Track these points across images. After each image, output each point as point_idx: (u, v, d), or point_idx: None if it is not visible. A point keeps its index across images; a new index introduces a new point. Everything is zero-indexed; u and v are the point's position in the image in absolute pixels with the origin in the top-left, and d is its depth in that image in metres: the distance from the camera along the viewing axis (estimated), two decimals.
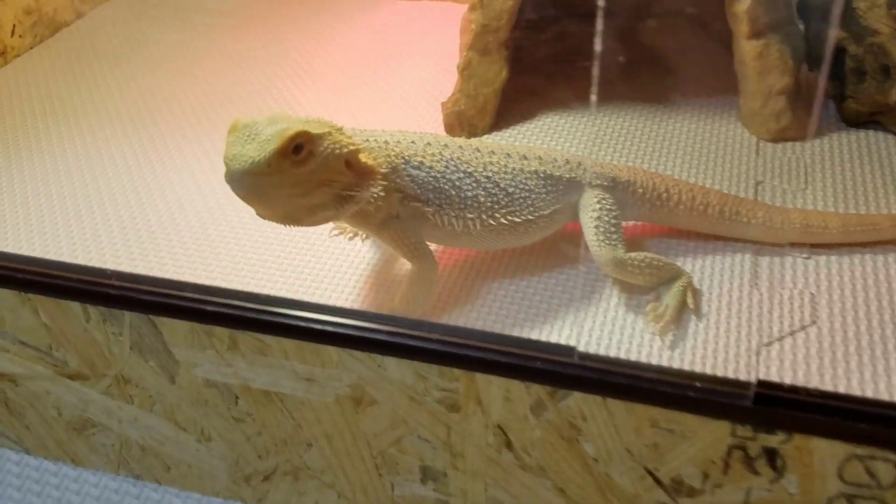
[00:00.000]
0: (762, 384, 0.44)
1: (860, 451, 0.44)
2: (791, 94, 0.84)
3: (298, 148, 0.55)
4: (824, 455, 0.44)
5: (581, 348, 0.60)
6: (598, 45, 1.00)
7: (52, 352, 0.57)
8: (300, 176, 0.55)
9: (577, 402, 0.47)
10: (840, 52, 0.84)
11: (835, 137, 0.86)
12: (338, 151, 0.57)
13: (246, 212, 0.65)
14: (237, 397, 0.55)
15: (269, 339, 0.51)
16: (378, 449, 0.54)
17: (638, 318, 0.66)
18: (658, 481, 0.48)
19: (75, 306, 0.54)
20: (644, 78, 0.96)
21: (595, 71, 0.96)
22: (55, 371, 0.58)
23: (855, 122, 0.87)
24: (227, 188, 0.53)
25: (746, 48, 0.83)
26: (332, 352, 0.50)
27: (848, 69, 0.84)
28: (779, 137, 0.85)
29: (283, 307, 0.50)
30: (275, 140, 0.54)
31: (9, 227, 0.75)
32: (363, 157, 0.60)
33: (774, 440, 0.45)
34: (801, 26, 0.88)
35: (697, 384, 0.44)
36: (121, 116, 0.97)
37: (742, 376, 0.59)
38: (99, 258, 0.69)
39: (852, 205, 0.77)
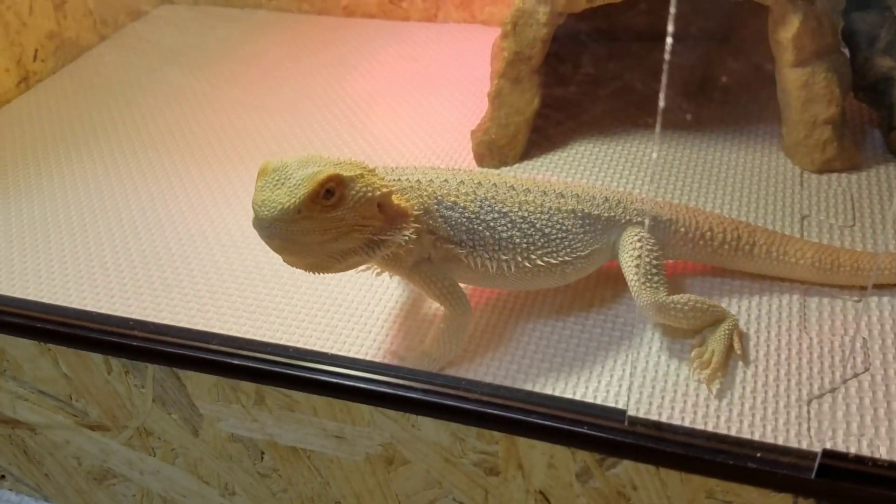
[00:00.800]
0: (827, 454, 0.41)
1: None
2: (837, 124, 0.81)
3: (330, 192, 0.53)
4: None
5: (622, 396, 0.57)
6: (633, 73, 0.98)
7: (73, 402, 0.56)
8: (331, 221, 0.53)
9: (627, 470, 0.44)
10: (887, 81, 0.81)
11: (882, 169, 0.83)
12: (370, 194, 0.55)
13: (271, 252, 0.64)
14: (263, 453, 0.53)
15: (298, 395, 0.49)
16: None
17: (682, 365, 0.63)
18: None
19: (97, 357, 0.52)
20: (682, 106, 0.94)
21: (630, 99, 0.93)
22: (75, 421, 0.57)
23: None
24: (252, 228, 0.51)
25: (791, 77, 0.81)
26: (363, 409, 0.48)
27: (895, 99, 0.81)
28: (824, 169, 0.82)
29: (313, 362, 0.48)
30: (305, 185, 0.52)
31: (29, 270, 0.74)
32: (396, 199, 0.58)
33: None
34: (847, 53, 0.85)
35: (758, 455, 0.42)
36: (144, 146, 0.95)
37: (793, 431, 0.56)
38: (122, 304, 0.67)
39: None
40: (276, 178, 0.52)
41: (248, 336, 0.52)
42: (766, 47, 0.82)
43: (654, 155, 0.80)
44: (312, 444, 0.51)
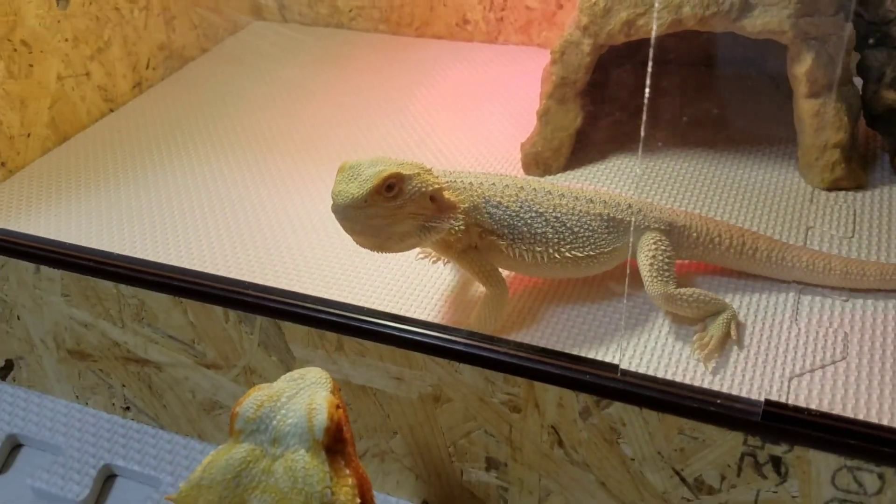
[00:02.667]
0: (769, 403, 0.55)
1: (849, 462, 0.55)
2: (846, 147, 0.94)
3: (391, 186, 0.69)
4: (820, 465, 0.55)
5: (632, 369, 0.72)
6: (666, 97, 1.12)
7: (195, 345, 0.74)
8: (391, 209, 0.69)
9: (618, 410, 0.59)
10: (893, 112, 0.94)
11: (886, 189, 0.96)
12: (423, 189, 0.71)
13: (354, 250, 0.82)
14: (339, 389, 0.69)
15: (369, 344, 0.66)
16: (451, 440, 0.67)
17: (685, 347, 0.78)
18: (683, 480, 0.60)
19: (218, 309, 0.70)
20: (712, 126, 1.08)
21: (661, 119, 1.08)
22: (195, 361, 0.75)
23: None
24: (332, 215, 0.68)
25: (805, 106, 0.94)
26: (418, 357, 0.64)
27: None
28: (832, 187, 0.95)
29: (383, 319, 0.65)
30: (372, 180, 0.68)
31: (158, 239, 0.93)
32: (447, 195, 0.74)
33: (779, 450, 0.56)
34: (861, 83, 0.98)
35: (718, 400, 0.56)
36: (239, 145, 1.15)
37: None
38: (236, 268, 0.87)
39: (894, 254, 0.86)
40: (351, 174, 0.69)
41: (334, 298, 0.69)
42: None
43: (638, 170, 0.95)
44: (377, 383, 0.67)
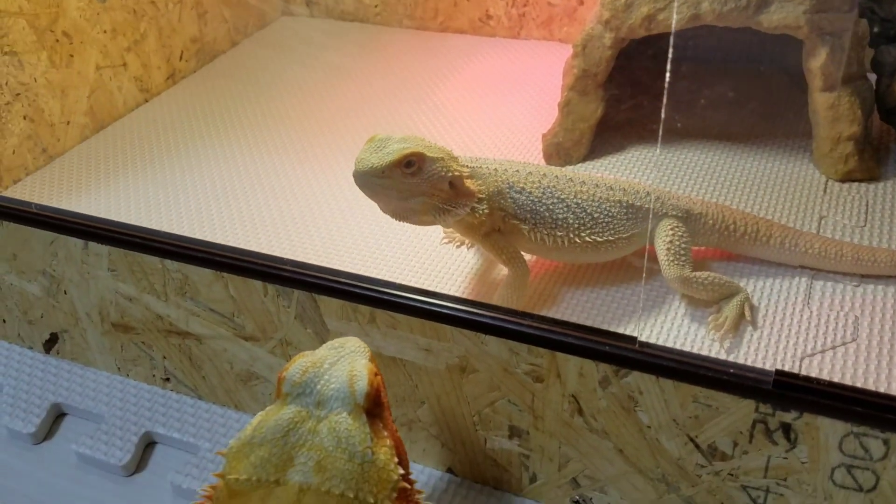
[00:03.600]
0: (780, 373, 0.59)
1: (856, 429, 0.58)
2: (859, 140, 0.97)
3: (410, 163, 0.73)
4: (828, 431, 0.59)
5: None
6: (685, 89, 1.16)
7: (234, 318, 0.78)
8: (407, 185, 0.73)
9: (636, 379, 0.63)
10: None
11: None
12: (443, 173, 0.75)
13: (384, 229, 0.87)
14: (375, 358, 0.74)
15: (400, 317, 0.70)
16: (476, 409, 0.72)
17: (701, 327, 0.82)
18: (697, 446, 0.64)
19: (257, 284, 0.74)
20: (731, 119, 1.11)
21: (680, 111, 1.12)
22: (234, 333, 0.79)
23: None
24: (367, 205, 0.73)
25: (819, 99, 0.98)
26: (446, 329, 0.69)
27: None
28: (846, 178, 0.99)
29: (413, 293, 0.69)
30: (393, 154, 0.73)
31: (195, 217, 0.99)
32: (468, 183, 0.78)
33: (789, 417, 0.60)
34: (875, 79, 1.01)
35: (731, 370, 0.60)
36: (269, 131, 1.20)
37: None
38: (274, 244, 0.94)
39: None
40: (378, 145, 0.74)
41: (367, 274, 0.73)
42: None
43: (658, 152, 0.98)
44: (407, 354, 0.72)
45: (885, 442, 0.58)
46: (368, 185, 0.73)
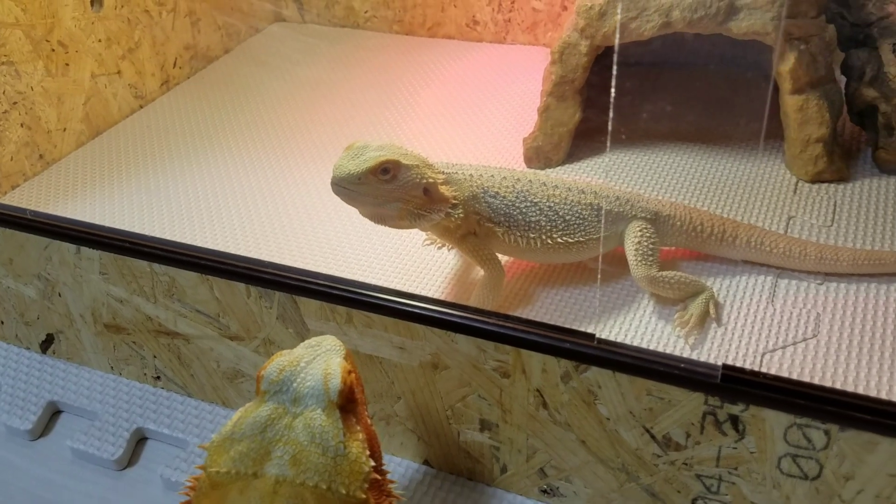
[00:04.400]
0: (727, 367, 0.63)
1: (799, 420, 0.62)
2: (828, 142, 1.01)
3: (386, 171, 0.77)
4: (773, 422, 0.63)
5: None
6: (658, 95, 1.20)
7: (219, 318, 0.83)
8: (383, 191, 0.78)
9: (595, 374, 0.68)
10: (872, 108, 1.01)
11: (866, 182, 1.03)
12: (418, 180, 0.79)
13: (364, 233, 0.91)
14: (351, 356, 0.78)
15: (375, 317, 0.74)
16: (448, 404, 0.76)
17: (667, 325, 0.86)
18: (653, 437, 0.68)
19: (240, 286, 0.79)
20: (707, 121, 1.15)
21: (654, 115, 1.16)
22: (219, 333, 0.84)
23: (887, 169, 1.03)
24: (347, 210, 0.78)
25: (789, 102, 1.02)
26: (419, 328, 0.73)
27: (880, 124, 1.01)
28: (815, 179, 1.03)
29: (388, 294, 0.74)
30: (369, 161, 0.77)
31: (185, 222, 1.03)
32: (443, 189, 0.82)
33: (736, 409, 0.64)
34: (845, 82, 1.05)
35: (682, 365, 0.64)
36: (259, 136, 1.25)
37: None
38: (256, 249, 0.98)
39: (870, 241, 0.94)
40: (355, 152, 0.78)
41: (352, 277, 0.78)
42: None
43: (606, 159, 1.03)
44: (383, 352, 0.76)
45: (826, 433, 0.62)
46: (345, 191, 0.78)
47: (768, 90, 1.03)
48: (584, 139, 1.13)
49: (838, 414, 0.61)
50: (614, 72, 0.65)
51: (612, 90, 0.65)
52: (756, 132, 1.12)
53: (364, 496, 0.62)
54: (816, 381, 0.79)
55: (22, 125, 1.15)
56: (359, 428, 0.65)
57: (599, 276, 0.88)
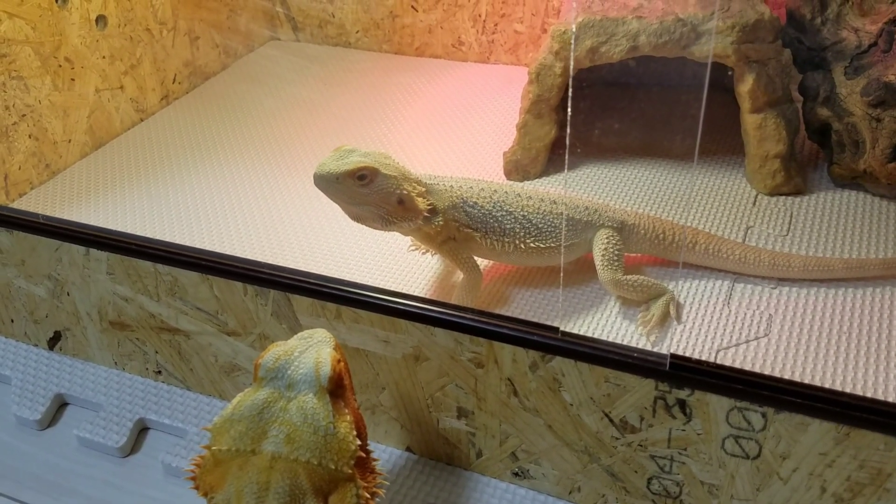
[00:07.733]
0: (674, 356, 0.72)
1: (739, 404, 0.71)
2: (785, 158, 1.11)
3: (363, 176, 0.86)
4: (716, 406, 0.72)
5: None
6: (628, 112, 1.30)
7: (218, 315, 0.91)
8: (356, 194, 0.87)
9: (559, 363, 0.76)
10: (826, 126, 1.11)
11: (822, 195, 1.13)
12: (393, 189, 0.88)
13: (353, 236, 1.00)
14: (341, 347, 0.87)
15: (362, 313, 0.83)
16: (429, 393, 0.85)
17: (631, 324, 0.95)
18: (611, 421, 0.77)
19: (238, 285, 0.88)
20: (674, 138, 1.25)
21: (625, 131, 1.26)
22: (218, 329, 0.92)
23: (841, 183, 1.13)
24: (336, 214, 0.86)
25: (748, 120, 1.11)
26: (402, 323, 0.82)
27: (833, 141, 1.11)
28: (774, 192, 1.12)
29: (374, 292, 0.83)
30: (349, 165, 0.86)
31: (185, 227, 1.12)
32: (418, 201, 0.90)
33: (683, 394, 0.73)
34: (802, 102, 1.15)
35: (634, 354, 0.73)
36: (255, 150, 1.34)
37: None
38: (252, 251, 1.08)
39: (822, 249, 1.03)
40: (341, 154, 0.87)
41: (335, 276, 0.86)
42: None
43: (564, 174, 1.12)
44: (369, 346, 0.85)
45: (763, 415, 0.71)
46: (323, 187, 0.87)
47: (700, 109, 1.13)
48: (559, 154, 1.22)
49: (772, 398, 0.70)
50: (570, 94, 0.74)
51: (569, 109, 0.74)
52: (723, 148, 1.22)
53: (350, 471, 0.70)
54: (766, 373, 0.88)
55: (30, 136, 1.24)
56: (347, 411, 0.73)
57: (562, 277, 0.98)
